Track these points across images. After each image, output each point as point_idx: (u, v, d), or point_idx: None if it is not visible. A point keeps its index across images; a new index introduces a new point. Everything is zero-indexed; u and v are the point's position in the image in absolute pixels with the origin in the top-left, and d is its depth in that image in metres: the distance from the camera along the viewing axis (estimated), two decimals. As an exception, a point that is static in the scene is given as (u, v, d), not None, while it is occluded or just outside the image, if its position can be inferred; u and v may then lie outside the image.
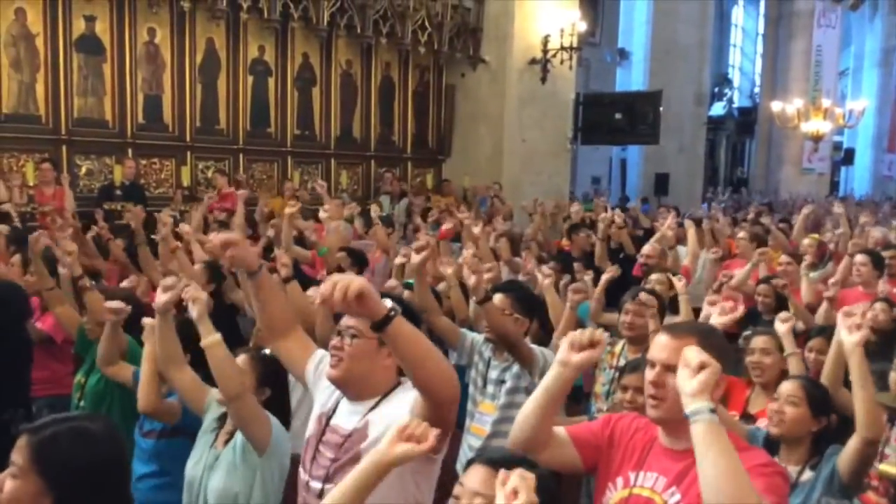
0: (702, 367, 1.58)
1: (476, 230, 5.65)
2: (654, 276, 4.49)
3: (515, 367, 3.13)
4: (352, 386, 2.00)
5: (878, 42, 23.09)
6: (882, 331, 3.83)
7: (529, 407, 1.86)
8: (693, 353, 1.61)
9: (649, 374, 1.85)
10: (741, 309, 2.96)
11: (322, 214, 6.08)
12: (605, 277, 4.57)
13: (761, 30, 23.62)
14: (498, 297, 3.13)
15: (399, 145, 10.54)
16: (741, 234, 6.47)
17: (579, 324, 4.77)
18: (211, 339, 2.39)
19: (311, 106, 9.55)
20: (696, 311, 5.60)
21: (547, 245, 7.19)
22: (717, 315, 2.69)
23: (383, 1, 9.31)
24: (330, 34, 9.31)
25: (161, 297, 2.56)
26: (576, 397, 4.00)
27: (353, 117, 10.00)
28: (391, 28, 9.56)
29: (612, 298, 5.50)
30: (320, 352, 2.22)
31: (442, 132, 10.86)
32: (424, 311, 3.09)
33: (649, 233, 7.36)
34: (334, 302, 1.59)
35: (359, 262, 4.80)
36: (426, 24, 9.85)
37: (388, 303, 1.68)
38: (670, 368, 1.74)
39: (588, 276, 4.82)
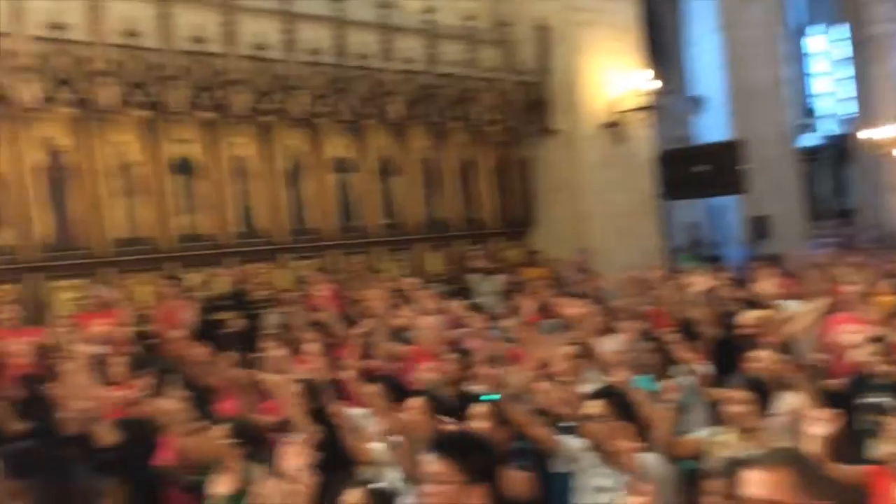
0: None
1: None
2: (762, 354, 4.17)
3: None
4: None
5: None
6: None
7: None
8: None
9: None
10: None
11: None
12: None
13: (840, 56, 22.86)
14: (596, 404, 3.05)
15: (483, 222, 10.59)
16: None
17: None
18: None
19: (392, 196, 9.75)
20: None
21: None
22: None
23: (453, 88, 9.57)
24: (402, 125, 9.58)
25: None
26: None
27: (435, 200, 10.14)
28: (463, 112, 9.78)
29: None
30: None
31: (526, 204, 10.86)
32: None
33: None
34: None
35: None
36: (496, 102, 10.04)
37: None
38: None
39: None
